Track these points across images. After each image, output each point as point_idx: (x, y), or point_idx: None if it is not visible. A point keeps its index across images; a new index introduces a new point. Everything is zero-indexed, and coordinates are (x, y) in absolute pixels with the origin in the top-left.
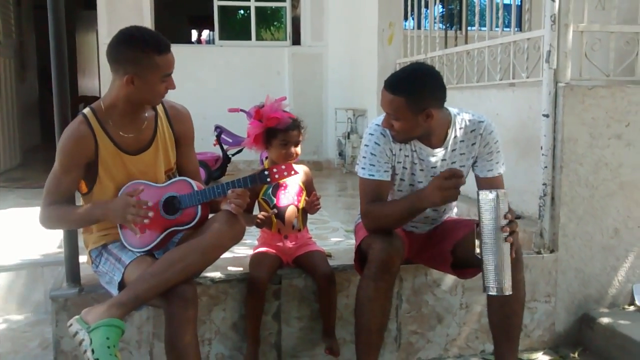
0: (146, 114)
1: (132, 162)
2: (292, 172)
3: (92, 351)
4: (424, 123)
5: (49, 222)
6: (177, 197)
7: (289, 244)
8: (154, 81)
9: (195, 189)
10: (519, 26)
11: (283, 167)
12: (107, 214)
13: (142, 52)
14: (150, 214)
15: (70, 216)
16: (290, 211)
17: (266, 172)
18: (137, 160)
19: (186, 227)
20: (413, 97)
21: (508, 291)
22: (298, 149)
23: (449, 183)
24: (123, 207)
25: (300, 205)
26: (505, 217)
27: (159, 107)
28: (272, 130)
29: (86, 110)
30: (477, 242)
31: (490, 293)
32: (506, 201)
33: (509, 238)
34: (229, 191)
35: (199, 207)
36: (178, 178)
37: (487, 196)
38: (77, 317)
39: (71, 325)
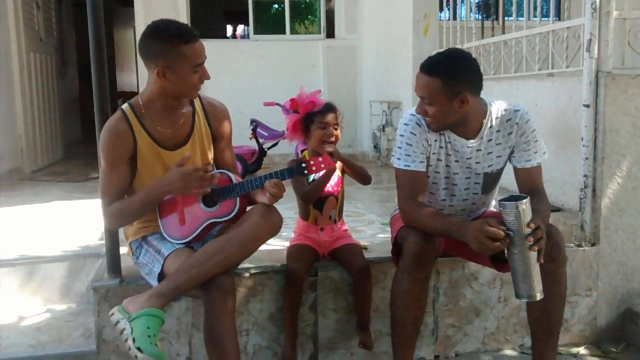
0: (184, 110)
1: (170, 157)
2: (330, 164)
3: (133, 340)
4: (458, 108)
5: (113, 220)
6: (216, 189)
7: (325, 236)
8: (184, 72)
9: (234, 181)
10: (558, 15)
11: (320, 159)
12: (166, 191)
13: (168, 43)
14: (215, 179)
15: (129, 207)
16: (330, 201)
17: (304, 165)
18: (174, 155)
19: (225, 219)
20: (449, 79)
21: (539, 297)
22: (338, 132)
23: (487, 242)
24: (180, 178)
25: (340, 196)
26: (528, 225)
27: (197, 104)
28: (309, 116)
29: (124, 106)
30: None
31: (522, 300)
32: (529, 208)
33: (534, 247)
34: (266, 182)
35: (238, 199)
36: (217, 171)
37: (507, 207)
38: (118, 306)
39: (112, 314)
